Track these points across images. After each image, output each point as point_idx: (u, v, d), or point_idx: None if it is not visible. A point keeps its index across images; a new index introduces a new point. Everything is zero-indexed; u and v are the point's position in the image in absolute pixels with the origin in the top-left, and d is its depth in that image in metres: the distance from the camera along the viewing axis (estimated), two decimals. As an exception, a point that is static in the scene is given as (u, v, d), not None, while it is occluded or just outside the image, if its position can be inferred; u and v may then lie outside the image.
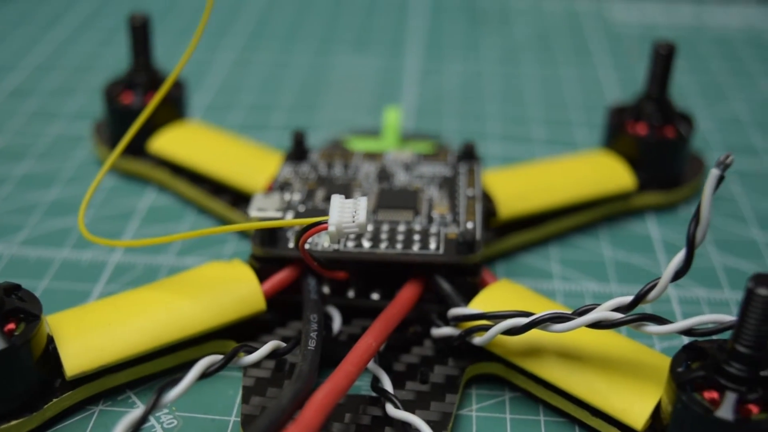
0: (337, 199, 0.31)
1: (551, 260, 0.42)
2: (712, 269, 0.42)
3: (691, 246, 0.28)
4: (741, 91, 0.59)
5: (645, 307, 0.38)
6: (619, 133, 0.46)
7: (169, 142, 0.46)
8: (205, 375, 0.29)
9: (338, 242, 0.35)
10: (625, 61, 0.63)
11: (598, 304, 0.30)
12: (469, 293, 0.35)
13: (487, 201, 0.41)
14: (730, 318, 0.28)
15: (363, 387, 0.34)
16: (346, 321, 0.36)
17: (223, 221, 0.44)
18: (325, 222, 0.30)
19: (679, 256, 0.28)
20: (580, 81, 0.60)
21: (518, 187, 0.42)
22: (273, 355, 0.32)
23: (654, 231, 0.44)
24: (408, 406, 0.32)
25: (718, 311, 0.38)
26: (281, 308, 0.36)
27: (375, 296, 0.36)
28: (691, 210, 0.46)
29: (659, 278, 0.29)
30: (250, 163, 0.44)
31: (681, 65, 0.62)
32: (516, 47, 0.66)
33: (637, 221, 0.45)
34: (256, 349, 0.32)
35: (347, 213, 0.30)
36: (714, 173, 0.26)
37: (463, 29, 0.69)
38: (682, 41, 0.66)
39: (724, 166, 0.26)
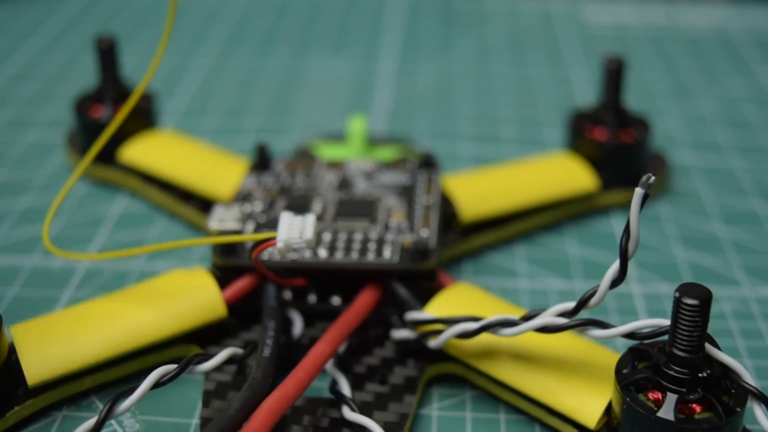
0: (285, 216, 0.32)
1: (517, 259, 0.43)
2: (674, 265, 0.43)
3: (623, 258, 0.29)
4: (708, 90, 0.60)
5: (610, 302, 0.39)
6: (579, 137, 0.47)
7: (138, 152, 0.46)
8: (158, 385, 0.30)
9: (286, 256, 0.36)
10: (597, 61, 0.64)
11: (544, 310, 0.31)
12: (426, 297, 0.36)
13: (448, 205, 0.42)
14: (667, 322, 0.29)
15: (324, 389, 0.35)
16: (308, 324, 0.37)
17: (193, 226, 0.45)
18: (274, 238, 0.31)
19: (615, 267, 0.29)
20: (552, 81, 0.61)
21: (481, 190, 0.43)
22: (230, 361, 0.33)
23: (619, 228, 0.45)
24: (366, 408, 0.33)
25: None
26: (245, 313, 0.37)
27: (336, 300, 0.37)
28: (655, 206, 0.47)
29: (598, 285, 0.30)
30: (216, 170, 0.44)
31: (651, 64, 0.63)
32: (490, 48, 0.66)
33: (603, 219, 0.46)
34: (213, 355, 0.32)
35: (295, 229, 0.31)
36: (639, 192, 0.28)
37: (439, 30, 0.69)
38: (653, 41, 0.67)
39: (648, 186, 0.27)
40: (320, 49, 0.66)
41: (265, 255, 0.36)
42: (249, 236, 0.32)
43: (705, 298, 0.28)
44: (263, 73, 0.62)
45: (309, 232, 0.31)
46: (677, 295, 0.28)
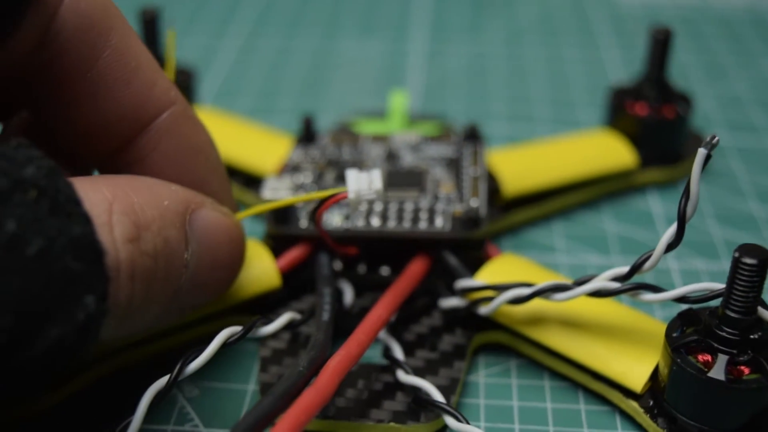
0: (352, 172, 0.33)
1: (555, 235, 0.44)
2: (711, 242, 0.43)
3: (681, 220, 0.29)
4: (742, 70, 0.60)
5: (646, 278, 0.40)
6: (619, 113, 0.47)
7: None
8: (225, 345, 0.31)
9: (356, 210, 0.37)
10: (628, 41, 0.64)
11: (597, 275, 0.32)
12: (474, 266, 0.37)
13: (492, 180, 0.42)
14: (720, 285, 0.30)
15: (375, 357, 0.35)
16: (357, 294, 0.38)
17: (237, 202, 0.45)
18: (344, 192, 0.32)
19: (671, 230, 0.30)
20: (584, 61, 0.62)
21: (522, 166, 0.44)
22: (289, 326, 0.34)
23: (655, 206, 0.46)
24: (418, 373, 0.33)
25: (717, 282, 0.40)
26: (295, 283, 0.38)
27: (384, 271, 0.38)
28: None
29: (653, 250, 0.30)
30: (260, 146, 0.45)
31: (684, 44, 0.63)
32: (520, 28, 0.67)
33: (639, 197, 0.47)
34: (273, 320, 0.33)
35: (363, 182, 0.32)
36: (701, 152, 0.28)
37: (468, 11, 0.70)
38: (686, 21, 0.67)
39: (711, 146, 0.28)
40: (350, 30, 0.67)
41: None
42: (318, 194, 0.33)
43: (764, 258, 0.28)
44: (294, 54, 0.63)
45: (378, 183, 0.32)
46: (737, 254, 0.28)
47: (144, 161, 0.31)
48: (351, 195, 0.32)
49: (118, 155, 0.31)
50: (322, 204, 0.33)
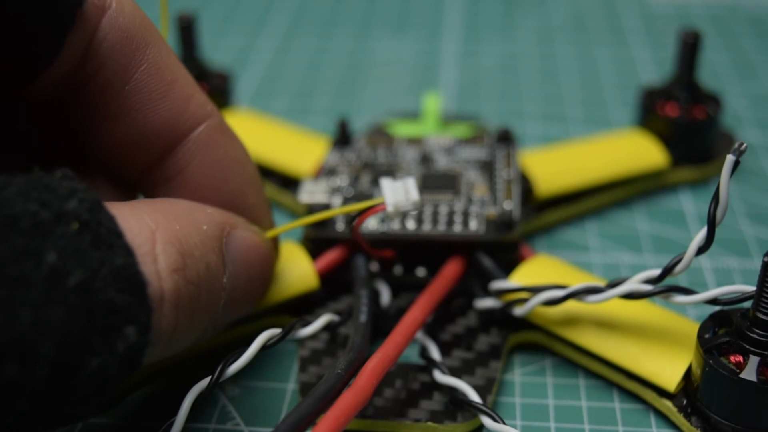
0: (387, 182, 0.33)
1: (588, 234, 0.44)
2: (743, 240, 0.44)
3: (711, 224, 0.30)
4: (773, 68, 0.61)
5: (680, 277, 0.40)
6: (651, 113, 0.47)
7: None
8: (265, 347, 0.31)
9: (394, 219, 0.38)
10: (659, 40, 0.64)
11: (630, 277, 0.32)
12: (508, 268, 0.37)
13: (525, 181, 0.43)
14: (750, 288, 0.30)
15: (412, 356, 0.36)
16: (394, 295, 0.39)
17: (273, 203, 0.46)
18: (383, 204, 0.33)
19: (702, 234, 0.30)
20: (615, 60, 0.62)
21: (555, 166, 0.44)
22: (327, 328, 0.35)
23: (687, 205, 0.46)
24: (454, 373, 0.34)
25: (749, 280, 0.40)
26: (333, 284, 0.39)
27: (420, 272, 0.39)
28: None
29: (684, 253, 0.31)
30: (295, 148, 0.46)
31: (714, 43, 0.63)
32: (552, 28, 0.67)
33: (671, 196, 0.47)
34: (312, 322, 0.34)
35: (400, 193, 0.32)
36: (730, 159, 0.28)
37: (500, 11, 0.70)
38: (716, 20, 0.67)
39: (739, 152, 0.28)
40: (383, 31, 0.68)
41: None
42: (356, 206, 0.33)
43: (793, 262, 0.29)
44: (328, 54, 0.64)
45: (414, 194, 0.32)
46: (766, 259, 0.29)
47: (181, 174, 0.32)
48: (389, 208, 0.32)
49: (155, 169, 0.32)
50: (360, 215, 0.34)
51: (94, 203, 0.25)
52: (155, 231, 0.27)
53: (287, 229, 0.34)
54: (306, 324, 0.34)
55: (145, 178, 0.32)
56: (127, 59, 0.29)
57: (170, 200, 0.30)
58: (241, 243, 0.31)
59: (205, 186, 0.32)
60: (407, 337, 0.33)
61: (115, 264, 0.24)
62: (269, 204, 0.35)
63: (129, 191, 0.34)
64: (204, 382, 0.30)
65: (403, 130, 0.46)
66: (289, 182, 0.45)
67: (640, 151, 0.46)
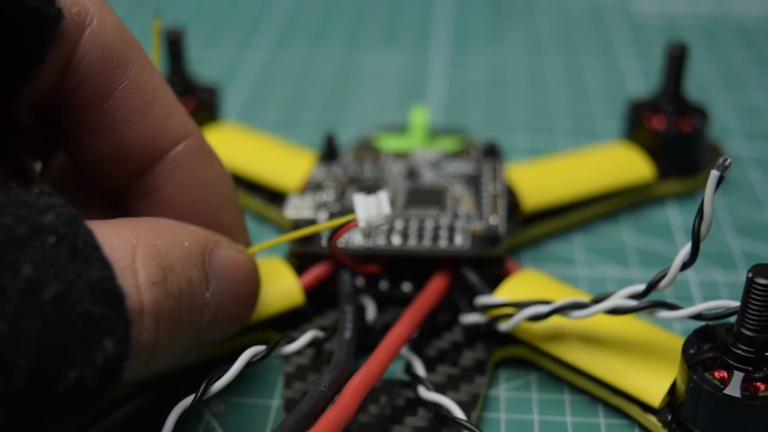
0: (359, 198, 0.33)
1: (575, 247, 0.44)
2: (729, 254, 0.44)
3: (696, 240, 0.30)
4: (760, 80, 0.60)
5: (666, 290, 0.40)
6: (637, 126, 0.47)
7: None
8: (249, 364, 0.31)
9: (369, 236, 0.38)
10: (647, 51, 0.64)
11: (614, 293, 0.32)
12: (494, 282, 0.37)
13: (511, 195, 0.43)
14: (735, 303, 0.31)
15: (397, 372, 0.36)
16: (380, 310, 0.39)
17: (260, 218, 0.46)
18: (355, 220, 0.33)
19: (686, 249, 0.30)
20: (603, 71, 0.62)
21: (542, 180, 0.44)
22: (311, 344, 0.35)
23: (674, 218, 0.46)
24: (439, 388, 0.34)
25: (735, 294, 0.40)
26: (319, 299, 0.38)
27: (406, 287, 0.39)
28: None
29: (668, 268, 0.31)
30: (282, 162, 0.46)
31: (702, 54, 0.63)
32: (540, 39, 0.67)
33: (658, 208, 0.47)
34: (296, 338, 0.34)
35: (372, 207, 0.33)
36: (714, 174, 0.28)
37: (489, 22, 0.70)
38: (704, 31, 0.68)
39: (723, 168, 0.28)
40: (372, 43, 0.68)
41: (341, 242, 0.38)
42: (329, 223, 0.34)
43: (776, 278, 0.29)
44: (317, 66, 0.64)
45: (386, 207, 0.33)
46: (750, 275, 0.29)
47: (158, 192, 0.32)
48: (361, 223, 0.33)
49: (133, 185, 0.32)
50: (335, 233, 0.34)
51: (72, 218, 0.25)
52: (136, 246, 0.27)
53: (266, 246, 0.34)
54: (290, 340, 0.34)
55: (124, 193, 0.32)
56: (107, 77, 0.30)
57: (153, 218, 0.30)
58: (225, 260, 0.31)
59: (181, 204, 0.32)
60: (391, 354, 0.33)
61: (92, 277, 0.24)
62: (245, 224, 0.35)
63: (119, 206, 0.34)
64: (188, 400, 0.30)
65: (390, 143, 0.46)
66: (277, 197, 0.45)
67: (627, 164, 0.46)
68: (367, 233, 0.33)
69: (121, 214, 0.32)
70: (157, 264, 0.27)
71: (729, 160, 0.28)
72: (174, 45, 0.48)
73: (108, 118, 0.30)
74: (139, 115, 0.30)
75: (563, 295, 0.34)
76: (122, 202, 0.33)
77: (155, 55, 0.36)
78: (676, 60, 0.46)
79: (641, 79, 0.60)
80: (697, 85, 0.58)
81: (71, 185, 0.34)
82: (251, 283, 0.33)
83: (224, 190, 0.34)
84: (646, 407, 0.33)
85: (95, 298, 0.24)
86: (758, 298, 0.29)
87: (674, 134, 0.46)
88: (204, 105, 0.49)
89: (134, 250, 0.27)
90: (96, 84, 0.29)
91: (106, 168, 0.32)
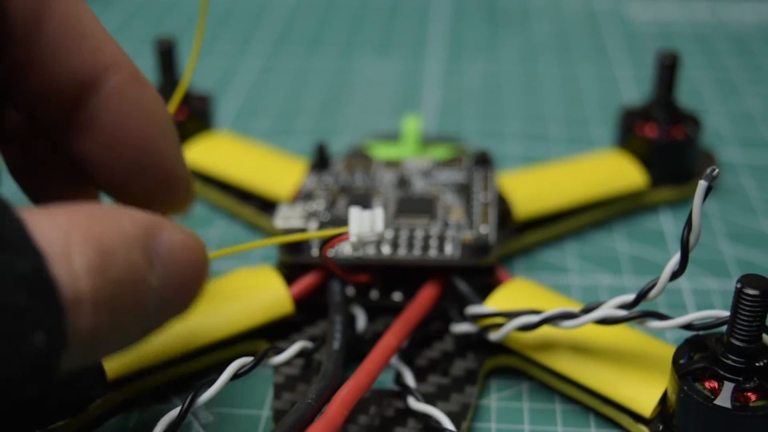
0: (354, 211, 0.33)
1: (568, 255, 0.44)
2: (722, 261, 0.43)
3: (685, 250, 0.30)
4: (754, 87, 0.60)
5: (658, 298, 0.40)
6: (630, 134, 0.47)
7: (197, 154, 0.48)
8: (236, 376, 0.31)
9: (358, 249, 0.38)
10: (642, 58, 0.64)
11: (604, 302, 0.32)
12: (485, 292, 0.37)
13: (502, 203, 0.43)
14: (725, 313, 0.30)
15: (387, 382, 0.36)
16: (370, 319, 0.39)
17: (252, 226, 0.46)
18: (346, 233, 0.33)
19: (675, 259, 0.30)
20: (597, 78, 0.62)
21: (534, 188, 0.44)
22: (300, 354, 0.34)
23: (667, 225, 0.46)
24: (429, 399, 0.34)
25: (728, 301, 0.39)
26: (309, 308, 0.38)
27: (397, 296, 0.39)
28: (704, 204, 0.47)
29: (658, 278, 0.31)
30: (275, 171, 0.46)
31: (695, 61, 0.63)
32: (535, 46, 0.67)
33: (651, 216, 0.47)
34: (285, 349, 0.34)
35: (366, 223, 0.32)
36: (702, 185, 0.28)
37: (484, 30, 0.70)
38: (698, 38, 0.68)
39: (711, 178, 0.28)
40: (366, 51, 0.68)
41: (332, 252, 0.38)
42: (321, 232, 0.33)
43: (765, 289, 0.29)
44: (311, 74, 0.64)
45: (379, 225, 0.33)
46: (739, 285, 0.29)
47: (95, 125, 0.31)
48: (353, 238, 0.33)
49: (70, 122, 0.32)
50: (326, 243, 0.34)
51: (0, 207, 0.24)
52: (70, 232, 0.26)
53: (232, 251, 0.34)
54: (279, 351, 0.33)
55: (64, 132, 0.32)
56: (33, 11, 0.29)
57: (90, 204, 0.29)
58: (170, 243, 0.30)
59: (118, 135, 0.32)
60: (380, 365, 0.32)
61: (21, 267, 0.23)
62: (182, 153, 0.34)
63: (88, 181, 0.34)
64: (174, 412, 0.30)
65: (382, 152, 0.46)
66: (269, 205, 0.45)
67: (620, 172, 0.46)
68: (357, 247, 0.33)
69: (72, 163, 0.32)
70: (94, 250, 0.26)
71: (717, 171, 0.28)
72: (166, 54, 0.48)
73: (37, 54, 0.30)
74: (69, 49, 0.30)
75: (554, 305, 0.34)
76: (64, 142, 0.32)
77: (199, 32, 0.35)
78: (668, 68, 0.46)
79: (636, 87, 0.60)
80: (691, 92, 0.58)
81: (27, 144, 0.34)
82: (198, 266, 0.32)
83: (160, 120, 0.33)
84: (638, 417, 0.33)
85: (24, 289, 0.23)
86: (747, 308, 0.29)
87: (666, 142, 0.46)
88: (197, 114, 0.49)
89: (68, 236, 0.25)
90: (21, 19, 0.29)
91: (40, 105, 0.31)
